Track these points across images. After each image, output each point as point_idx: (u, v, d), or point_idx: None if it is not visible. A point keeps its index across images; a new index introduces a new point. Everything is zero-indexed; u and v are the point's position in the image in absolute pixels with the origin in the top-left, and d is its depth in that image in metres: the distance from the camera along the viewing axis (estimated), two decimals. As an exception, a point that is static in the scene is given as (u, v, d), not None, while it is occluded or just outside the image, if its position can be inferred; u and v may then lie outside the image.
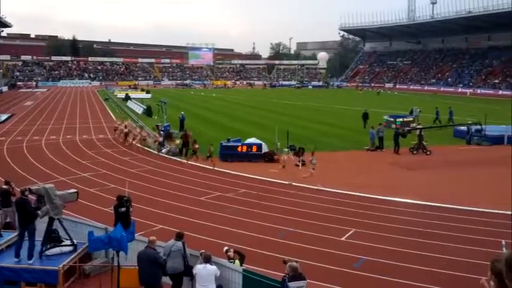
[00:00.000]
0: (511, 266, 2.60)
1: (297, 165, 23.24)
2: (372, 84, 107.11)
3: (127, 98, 65.04)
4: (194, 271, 8.83)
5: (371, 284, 10.51)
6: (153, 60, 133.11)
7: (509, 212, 15.51)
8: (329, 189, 18.65)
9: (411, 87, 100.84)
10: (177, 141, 27.58)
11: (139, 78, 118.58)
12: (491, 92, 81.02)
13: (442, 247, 12.57)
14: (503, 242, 12.75)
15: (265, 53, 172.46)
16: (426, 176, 21.71)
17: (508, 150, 25.80)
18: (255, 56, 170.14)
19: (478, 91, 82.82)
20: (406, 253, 12.20)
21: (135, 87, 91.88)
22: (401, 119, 36.33)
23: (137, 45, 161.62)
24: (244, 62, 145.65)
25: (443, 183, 20.53)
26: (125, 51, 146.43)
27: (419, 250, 12.37)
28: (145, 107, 49.11)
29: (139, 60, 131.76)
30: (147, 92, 76.39)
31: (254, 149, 24.93)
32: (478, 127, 30.60)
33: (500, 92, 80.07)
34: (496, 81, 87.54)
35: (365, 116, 37.43)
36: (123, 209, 11.84)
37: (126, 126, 31.55)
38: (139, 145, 28.77)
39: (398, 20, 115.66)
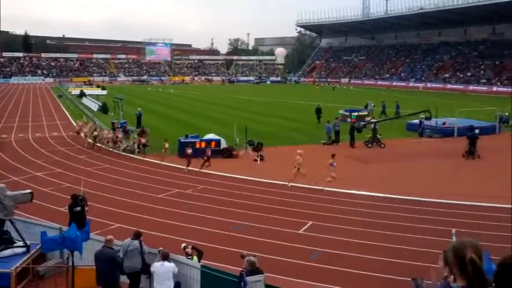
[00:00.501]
0: (457, 253, 2.74)
1: (256, 160, 23.40)
2: (329, 80, 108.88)
3: (82, 94, 63.43)
4: (152, 269, 8.79)
5: (328, 275, 10.75)
6: (108, 56, 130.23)
7: (459, 202, 16.26)
8: (286, 183, 18.89)
9: (366, 82, 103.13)
10: (135, 138, 27.20)
11: (95, 75, 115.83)
12: (442, 86, 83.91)
13: (397, 237, 13.00)
14: (454, 230, 13.30)
15: (223, 48, 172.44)
16: (381, 169, 22.34)
17: (458, 142, 26.95)
18: (214, 52, 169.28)
19: (430, 85, 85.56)
20: (362, 244, 12.53)
21: (90, 84, 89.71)
22: (356, 113, 37.17)
23: (92, 40, 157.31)
24: (202, 57, 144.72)
25: (398, 175, 21.19)
26: (79, 46, 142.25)
27: (375, 241, 12.74)
28: (100, 104, 48.08)
29: (95, 56, 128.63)
30: (103, 89, 74.77)
31: (213, 144, 24.91)
32: (433, 119, 31.57)
33: (449, 86, 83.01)
34: (447, 75, 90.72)
35: (318, 111, 37.72)
36: (78, 208, 11.62)
37: (95, 129, 29.35)
38: (104, 146, 27.70)
39: (353, 16, 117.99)
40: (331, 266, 11.15)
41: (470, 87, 78.88)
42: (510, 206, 15.64)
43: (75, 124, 34.11)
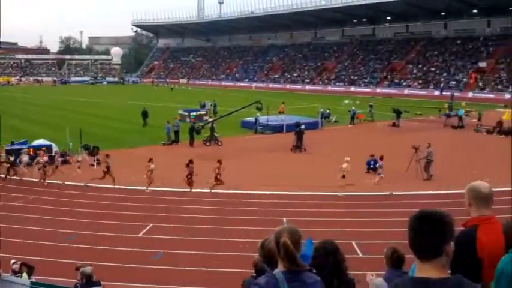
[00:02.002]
0: (276, 238, 2.94)
1: (92, 165, 22.40)
2: (168, 80, 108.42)
3: None
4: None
5: (169, 276, 10.84)
6: None
7: (290, 193, 17.73)
8: (124, 187, 18.50)
9: (203, 82, 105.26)
10: None
11: None
12: (272, 85, 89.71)
13: (236, 231, 13.60)
14: (285, 220, 14.49)
15: (54, 47, 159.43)
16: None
17: (286, 137, 29.27)
18: (43, 51, 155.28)
19: (262, 85, 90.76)
20: (202, 241, 12.88)
21: None
22: (195, 113, 37.91)
23: None
24: (30, 56, 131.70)
25: (236, 170, 22.15)
26: None
27: (215, 237, 13.19)
28: None
29: None
30: None
31: (42, 151, 23.05)
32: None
33: (279, 86, 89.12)
34: (276, 75, 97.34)
35: (144, 114, 36.27)
36: None
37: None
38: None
39: (189, 17, 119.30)
40: (172, 267, 11.27)
41: (297, 86, 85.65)
42: (332, 193, 17.64)
43: None
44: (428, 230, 2.19)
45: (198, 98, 50.82)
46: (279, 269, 2.93)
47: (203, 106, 43.03)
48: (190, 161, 18.32)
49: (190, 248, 12.38)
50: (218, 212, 15.69)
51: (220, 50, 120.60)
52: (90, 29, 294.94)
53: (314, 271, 3.10)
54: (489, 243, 3.06)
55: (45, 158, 20.23)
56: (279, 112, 39.63)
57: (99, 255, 11.56)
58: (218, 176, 17.74)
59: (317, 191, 18.00)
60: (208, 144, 28.52)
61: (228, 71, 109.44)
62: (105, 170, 18.69)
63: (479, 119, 35.39)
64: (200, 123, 32.40)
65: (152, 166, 18.15)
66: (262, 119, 34.19)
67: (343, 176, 17.53)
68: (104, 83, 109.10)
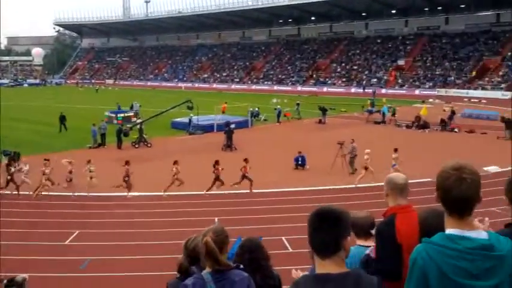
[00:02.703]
0: (203, 238, 2.98)
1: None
2: (93, 81, 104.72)
3: None
4: None
5: (98, 283, 10.61)
6: None
7: (223, 192, 17.87)
8: (48, 193, 17.77)
9: (131, 83, 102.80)
10: None
11: None
12: (202, 85, 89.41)
13: (167, 233, 13.43)
14: (216, 219, 14.61)
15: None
16: (149, 168, 22.66)
17: (217, 136, 29.38)
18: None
19: (191, 85, 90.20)
20: (133, 245, 12.63)
21: None
22: (122, 115, 37.00)
23: None
24: None
25: (164, 172, 21.91)
26: None
27: (146, 240, 12.99)
28: None
29: None
30: None
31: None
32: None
33: (209, 86, 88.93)
34: (206, 75, 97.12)
35: (62, 119, 34.23)
36: None
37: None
38: None
39: (114, 17, 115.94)
40: (98, 273, 10.98)
41: (228, 86, 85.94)
42: (262, 190, 18.00)
43: None
44: (327, 227, 2.21)
45: (124, 99, 49.57)
46: (207, 270, 2.96)
47: (131, 107, 42.10)
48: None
49: (118, 253, 12.15)
50: (151, 215, 15.48)
51: (147, 49, 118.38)
52: (9, 29, 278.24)
53: (242, 267, 3.15)
54: (406, 231, 3.19)
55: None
56: (222, 112, 39.75)
57: (23, 266, 11.04)
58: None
59: (244, 189, 18.23)
60: (137, 146, 27.99)
61: (156, 71, 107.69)
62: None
63: (393, 115, 37.33)
64: (128, 125, 31.69)
65: (175, 169, 17.92)
66: (194, 119, 34.03)
67: (366, 168, 18.31)
68: (25, 85, 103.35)
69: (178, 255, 3.94)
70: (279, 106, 40.39)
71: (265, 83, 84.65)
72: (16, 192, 17.70)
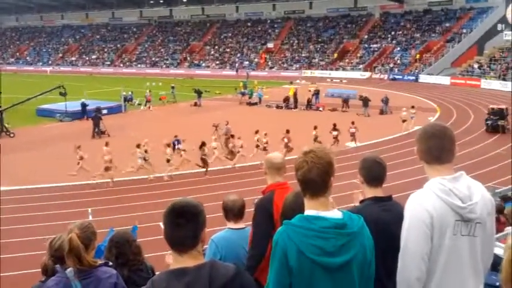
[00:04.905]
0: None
1: None
2: None
3: None
4: None
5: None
6: None
7: (93, 181, 17.49)
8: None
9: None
10: None
11: None
12: (70, 69, 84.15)
13: (37, 228, 12.91)
14: (90, 210, 14.44)
15: None
16: (14, 160, 21.31)
17: (88, 123, 28.35)
18: None
19: (58, 68, 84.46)
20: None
21: None
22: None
23: None
24: None
25: (32, 164, 20.79)
26: None
27: (16, 237, 12.49)
28: None
29: None
30: None
31: None
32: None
33: (77, 69, 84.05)
34: (73, 58, 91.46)
35: None
36: None
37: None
38: None
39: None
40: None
41: (97, 70, 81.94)
42: (139, 177, 18.03)
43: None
44: (185, 222, 2.18)
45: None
46: (71, 268, 2.85)
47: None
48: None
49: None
50: (20, 209, 14.72)
51: (6, 31, 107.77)
52: None
53: (110, 264, 3.11)
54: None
55: None
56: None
57: None
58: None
59: (121, 177, 18.12)
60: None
61: (17, 54, 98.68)
62: None
63: (250, 97, 39.98)
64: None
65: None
66: (60, 105, 32.17)
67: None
68: None
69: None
70: (147, 91, 39.13)
71: (138, 66, 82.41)
72: None
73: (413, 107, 27.94)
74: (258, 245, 3.54)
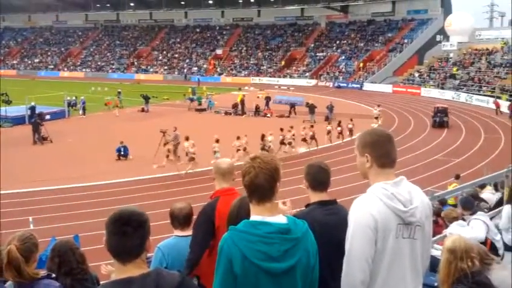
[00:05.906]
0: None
1: None
2: None
3: None
4: None
5: None
6: None
7: (36, 189, 16.85)
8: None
9: None
10: None
11: None
12: (11, 72, 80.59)
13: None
14: (31, 218, 13.83)
15: None
16: None
17: (28, 128, 27.23)
18: None
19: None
20: None
21: None
22: None
23: None
24: None
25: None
26: None
27: None
28: None
29: None
30: None
31: None
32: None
33: (19, 73, 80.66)
34: (15, 62, 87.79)
35: None
36: None
37: None
38: None
39: None
40: None
41: (41, 74, 78.93)
42: (83, 184, 17.52)
43: None
44: (132, 231, 2.11)
45: None
46: (10, 281, 2.76)
47: None
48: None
49: None
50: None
51: None
52: None
53: (53, 276, 3.00)
54: (225, 213, 3.17)
55: None
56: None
57: None
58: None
59: (64, 184, 17.59)
60: None
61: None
62: None
63: (199, 104, 39.88)
64: None
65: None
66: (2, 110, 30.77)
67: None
68: None
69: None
70: (82, 97, 37.78)
71: (84, 70, 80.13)
72: None
73: (379, 105, 32.83)
74: (194, 250, 3.54)
